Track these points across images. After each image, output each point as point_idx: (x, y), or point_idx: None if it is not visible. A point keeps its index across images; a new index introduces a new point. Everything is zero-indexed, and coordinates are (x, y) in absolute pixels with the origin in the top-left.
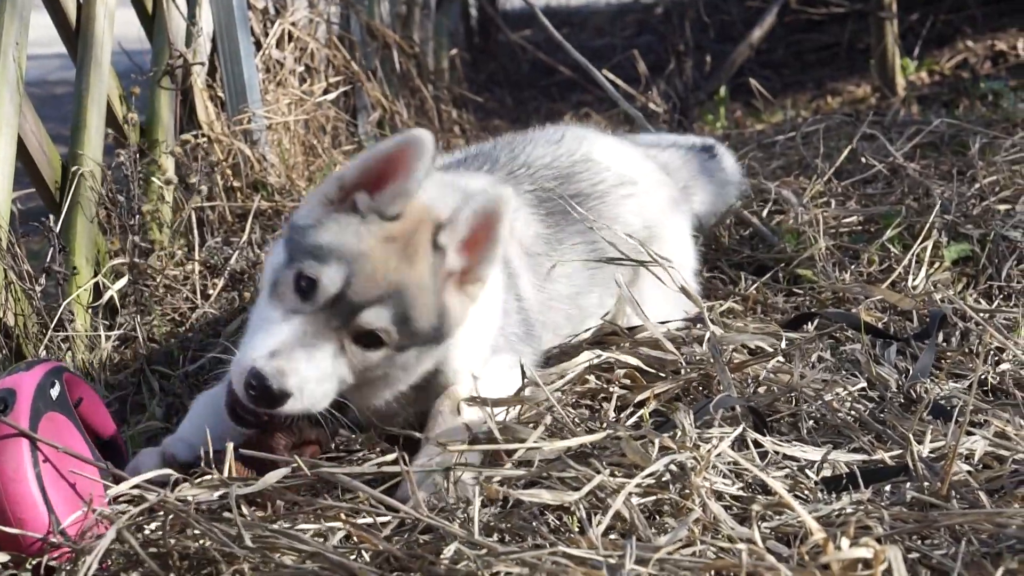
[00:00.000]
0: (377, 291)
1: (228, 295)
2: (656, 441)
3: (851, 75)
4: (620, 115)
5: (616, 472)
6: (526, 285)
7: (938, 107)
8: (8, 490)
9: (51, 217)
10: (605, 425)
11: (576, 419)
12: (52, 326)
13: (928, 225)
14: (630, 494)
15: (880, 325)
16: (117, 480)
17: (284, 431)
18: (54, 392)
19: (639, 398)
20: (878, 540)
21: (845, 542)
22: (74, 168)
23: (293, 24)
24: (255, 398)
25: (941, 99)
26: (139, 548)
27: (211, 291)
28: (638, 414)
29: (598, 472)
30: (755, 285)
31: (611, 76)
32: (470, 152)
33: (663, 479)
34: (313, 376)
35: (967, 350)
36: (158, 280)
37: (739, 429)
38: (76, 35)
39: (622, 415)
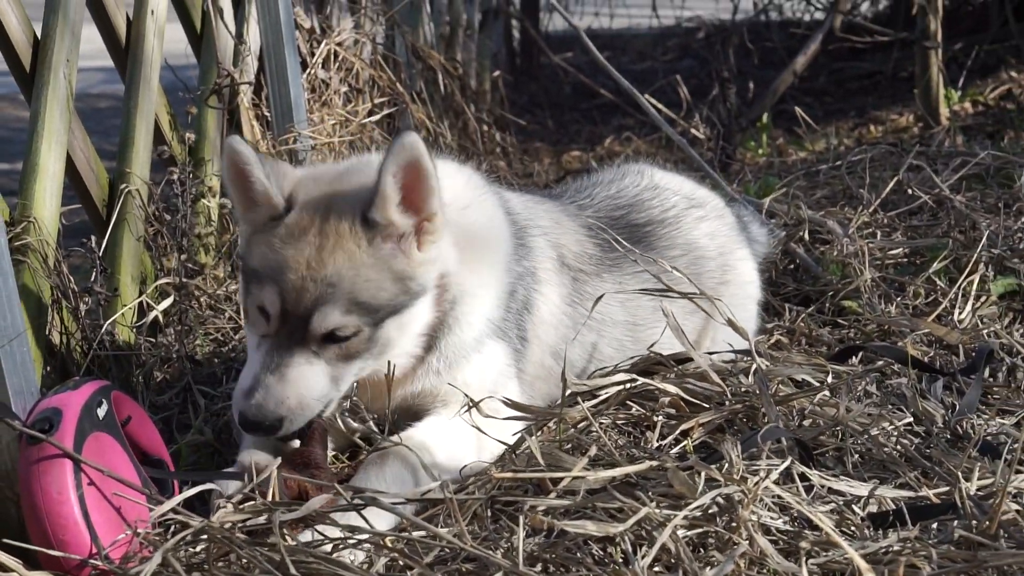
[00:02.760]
0: (311, 295)
1: None
2: (703, 473)
3: (894, 104)
4: (662, 140)
5: (661, 503)
6: (551, 297)
7: (982, 138)
8: (51, 511)
9: (93, 237)
10: (649, 454)
11: (617, 445)
12: (95, 345)
13: (975, 258)
14: (676, 527)
15: (926, 359)
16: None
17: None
18: (101, 411)
19: (683, 427)
20: None
21: None
22: (122, 186)
23: (339, 44)
24: (254, 432)
25: (985, 130)
26: (183, 573)
27: None
28: (682, 444)
29: (644, 504)
30: (800, 317)
31: (653, 101)
32: (541, 193)
33: (709, 511)
34: (290, 394)
35: (1015, 386)
36: (202, 300)
37: (787, 462)
38: (125, 52)
39: (664, 444)
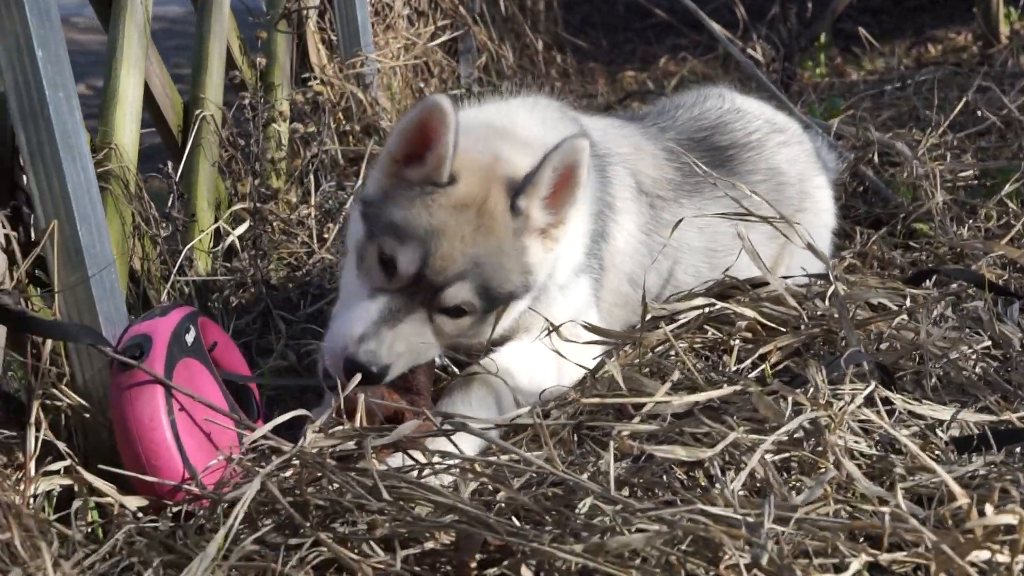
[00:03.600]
0: (455, 268)
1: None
2: (789, 397)
3: (951, 22)
4: (720, 60)
5: (746, 428)
6: (627, 226)
7: None
8: (144, 438)
9: (170, 163)
10: (729, 378)
11: (697, 369)
12: (175, 271)
13: None
14: (764, 451)
15: (1001, 282)
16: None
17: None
18: (189, 338)
19: (761, 351)
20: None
21: (990, 508)
22: (197, 111)
23: None
24: (351, 375)
25: None
26: (281, 498)
27: (327, 235)
28: (760, 368)
29: (731, 429)
30: (872, 240)
31: (711, 22)
32: (624, 116)
33: (795, 436)
34: (403, 349)
35: None
36: (275, 225)
37: (871, 387)
38: None
39: (742, 368)
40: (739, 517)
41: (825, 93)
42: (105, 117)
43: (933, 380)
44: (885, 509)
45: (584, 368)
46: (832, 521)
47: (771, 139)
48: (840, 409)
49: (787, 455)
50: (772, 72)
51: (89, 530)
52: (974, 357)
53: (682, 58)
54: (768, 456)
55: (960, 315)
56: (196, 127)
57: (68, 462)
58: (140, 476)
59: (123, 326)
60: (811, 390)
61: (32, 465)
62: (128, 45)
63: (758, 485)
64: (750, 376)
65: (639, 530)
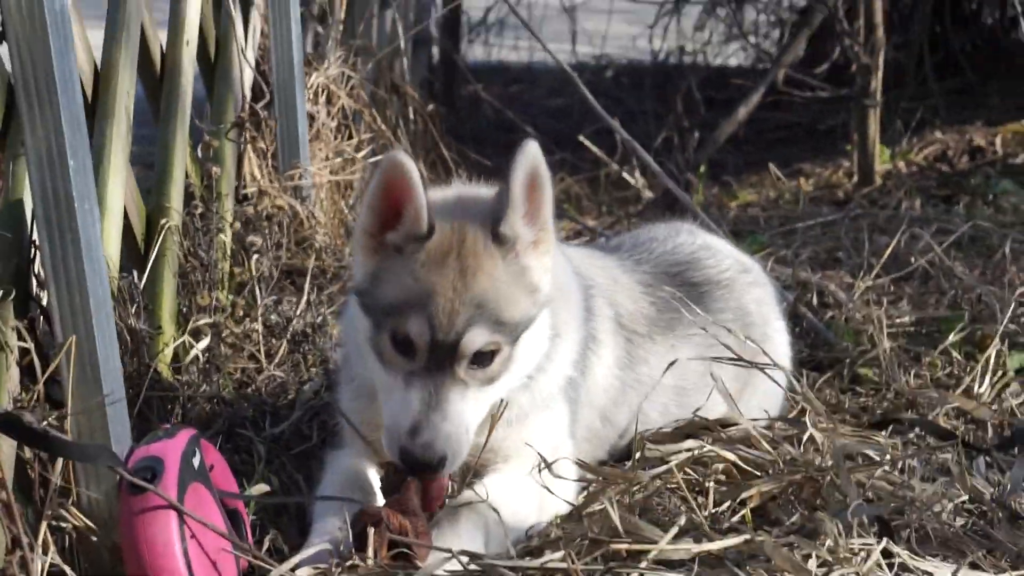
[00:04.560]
0: (461, 318)
1: (292, 357)
2: (812, 551)
3: (815, 156)
4: (595, 181)
5: None
6: (606, 359)
7: (935, 202)
8: (155, 564)
9: (135, 272)
10: (732, 526)
11: (680, 511)
12: (145, 387)
13: (998, 333)
14: None
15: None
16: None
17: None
18: (195, 461)
19: (743, 495)
20: None
21: None
22: (162, 220)
23: (327, 78)
24: (421, 474)
25: (930, 192)
26: None
27: (273, 352)
28: (741, 513)
29: None
30: (817, 385)
31: (637, 145)
32: (598, 247)
33: None
34: (454, 431)
35: None
36: (225, 340)
37: (883, 543)
38: (160, 84)
39: (720, 511)
40: None
41: (730, 225)
42: None
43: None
44: None
45: (570, 504)
46: None
47: (741, 278)
48: (862, 563)
49: None
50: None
51: None
52: (953, 510)
53: (561, 178)
54: None
55: (929, 467)
56: (161, 237)
57: None
58: None
59: (128, 447)
60: (827, 543)
61: None
62: (114, 154)
63: None
64: (733, 521)
65: None
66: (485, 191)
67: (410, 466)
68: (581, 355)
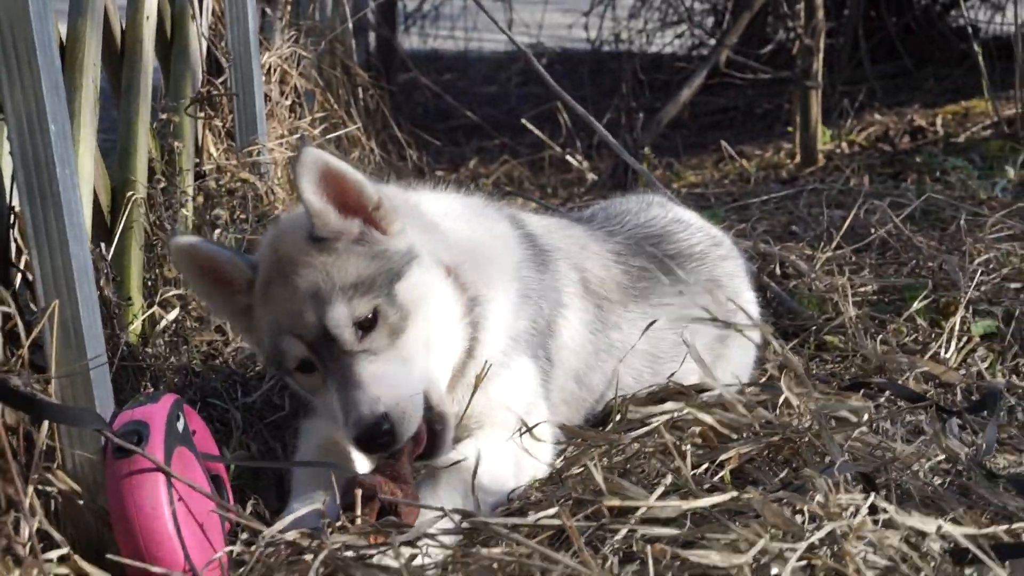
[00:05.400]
0: (313, 310)
1: None
2: (803, 506)
3: (753, 139)
4: (534, 164)
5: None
6: (573, 322)
7: (884, 178)
8: (145, 527)
9: (103, 244)
10: (714, 485)
11: (659, 472)
12: (118, 357)
13: (964, 300)
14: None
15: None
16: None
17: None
18: (179, 425)
19: (721, 457)
20: None
21: None
22: (129, 193)
23: (280, 57)
24: (382, 448)
25: (876, 170)
26: None
27: None
28: (719, 475)
29: (758, 535)
30: (785, 351)
31: (598, 124)
32: (568, 217)
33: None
34: (380, 392)
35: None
36: (190, 313)
37: (871, 497)
38: (121, 58)
39: (695, 474)
40: None
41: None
42: None
43: (897, 491)
44: None
45: (550, 467)
46: None
47: (713, 251)
48: (853, 517)
49: (806, 563)
50: (613, 180)
51: None
52: (931, 470)
53: (504, 160)
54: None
55: (904, 429)
56: (127, 209)
57: (64, 550)
58: (140, 566)
59: (111, 412)
60: (816, 498)
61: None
62: (83, 126)
63: None
64: (715, 481)
65: None
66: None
67: (367, 445)
68: (535, 310)
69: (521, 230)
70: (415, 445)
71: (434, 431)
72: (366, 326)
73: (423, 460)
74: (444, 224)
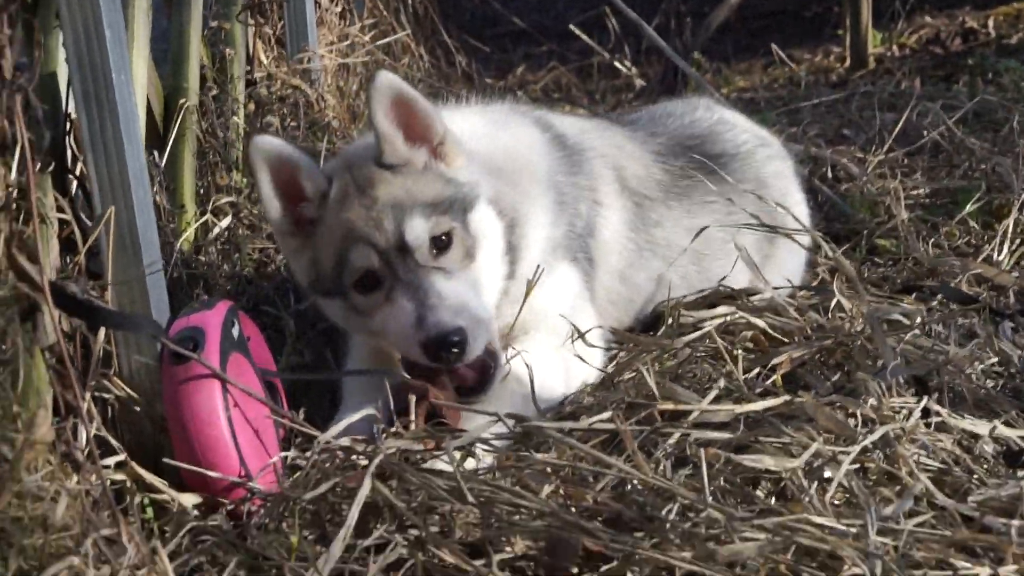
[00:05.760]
0: (391, 219)
1: None
2: (856, 410)
3: (802, 43)
4: (582, 71)
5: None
6: (612, 220)
7: (934, 81)
8: (201, 433)
9: (156, 152)
10: (767, 389)
11: (710, 377)
12: (171, 263)
13: (1018, 202)
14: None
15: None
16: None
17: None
18: (235, 332)
19: (773, 362)
20: None
21: None
22: (181, 100)
23: None
24: (449, 358)
25: (927, 72)
26: (395, 500)
27: None
28: (772, 379)
29: (812, 439)
30: (837, 255)
31: (649, 29)
32: (609, 118)
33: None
34: (456, 302)
35: None
36: (243, 220)
37: (924, 400)
38: None
39: (747, 379)
40: (844, 528)
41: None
42: None
43: (949, 395)
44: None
45: (601, 371)
46: (930, 533)
47: (759, 151)
48: (906, 420)
49: (859, 466)
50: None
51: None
52: (983, 372)
53: (552, 67)
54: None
55: (956, 332)
56: (179, 117)
57: (121, 456)
58: (200, 471)
59: (167, 318)
60: (869, 402)
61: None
62: (138, 34)
63: (845, 497)
64: (767, 385)
65: (744, 539)
66: (365, 141)
67: (435, 351)
68: (572, 214)
69: (550, 132)
70: (461, 377)
71: (486, 365)
72: (440, 246)
73: (472, 395)
74: (469, 146)
